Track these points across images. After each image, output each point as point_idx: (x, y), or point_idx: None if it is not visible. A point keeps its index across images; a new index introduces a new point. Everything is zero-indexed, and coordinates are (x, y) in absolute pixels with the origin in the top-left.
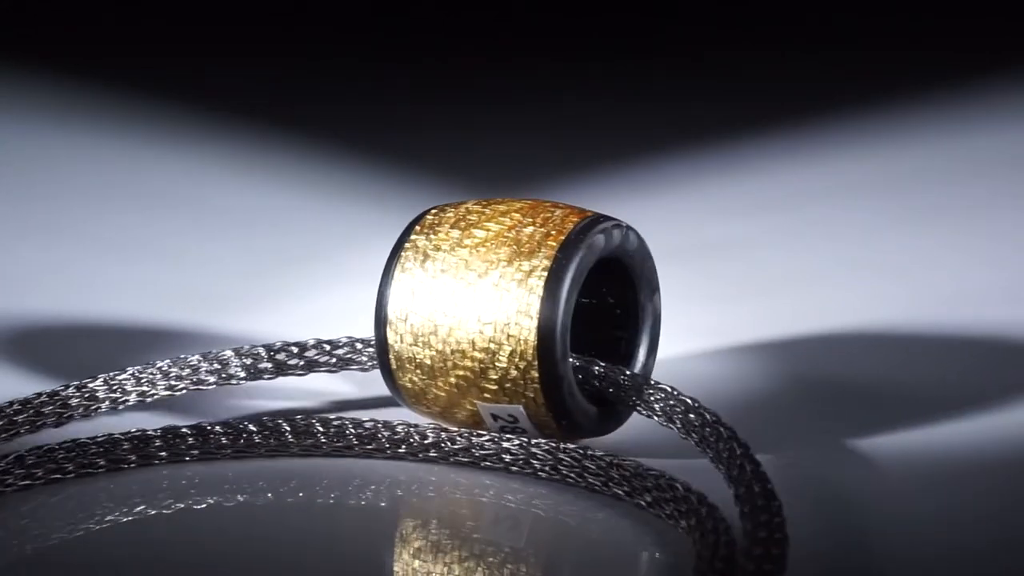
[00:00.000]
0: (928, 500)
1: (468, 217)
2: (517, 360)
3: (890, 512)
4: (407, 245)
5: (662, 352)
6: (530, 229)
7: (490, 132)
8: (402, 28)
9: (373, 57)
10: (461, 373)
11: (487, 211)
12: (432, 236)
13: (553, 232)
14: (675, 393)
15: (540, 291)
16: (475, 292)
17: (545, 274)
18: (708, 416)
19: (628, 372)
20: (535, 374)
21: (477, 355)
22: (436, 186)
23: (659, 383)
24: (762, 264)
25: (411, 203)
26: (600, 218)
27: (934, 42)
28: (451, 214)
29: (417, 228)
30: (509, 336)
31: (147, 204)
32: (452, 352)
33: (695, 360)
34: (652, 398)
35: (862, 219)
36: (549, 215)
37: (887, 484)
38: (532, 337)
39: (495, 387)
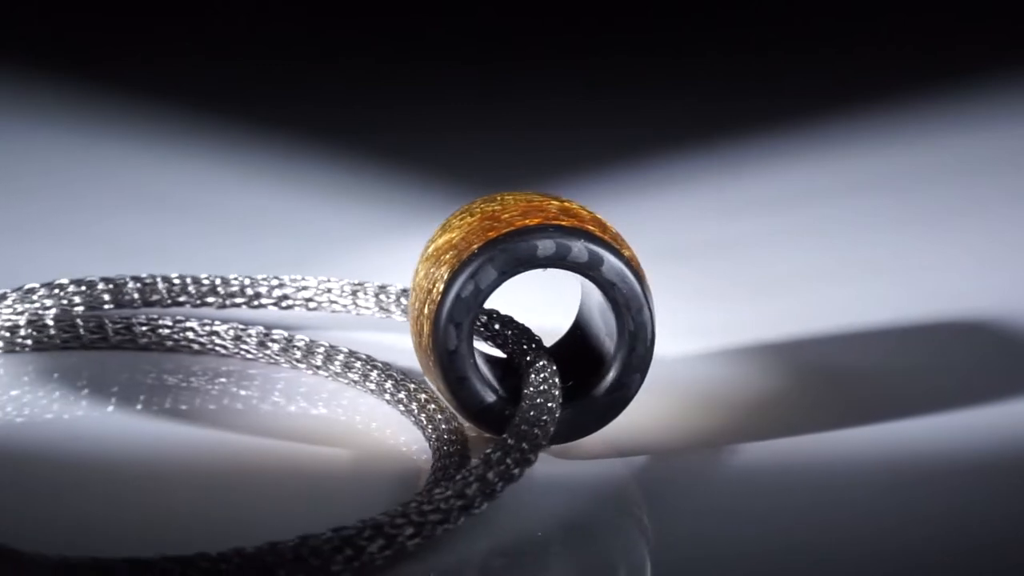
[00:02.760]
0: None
1: (493, 201)
2: (425, 338)
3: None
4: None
5: (660, 351)
6: (488, 223)
7: (490, 132)
8: (403, 28)
9: (374, 57)
10: (411, 336)
11: (507, 199)
12: (465, 209)
13: (495, 227)
14: (547, 375)
15: (445, 279)
16: (424, 267)
17: (456, 264)
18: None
19: (537, 342)
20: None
21: (414, 323)
22: (437, 186)
23: (545, 365)
24: (762, 264)
25: (412, 203)
26: (552, 227)
27: (934, 42)
28: (494, 195)
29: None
30: (424, 314)
31: (149, 207)
32: (410, 317)
33: (694, 359)
34: (533, 375)
35: (862, 219)
36: (517, 214)
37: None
38: (432, 319)
39: (420, 355)
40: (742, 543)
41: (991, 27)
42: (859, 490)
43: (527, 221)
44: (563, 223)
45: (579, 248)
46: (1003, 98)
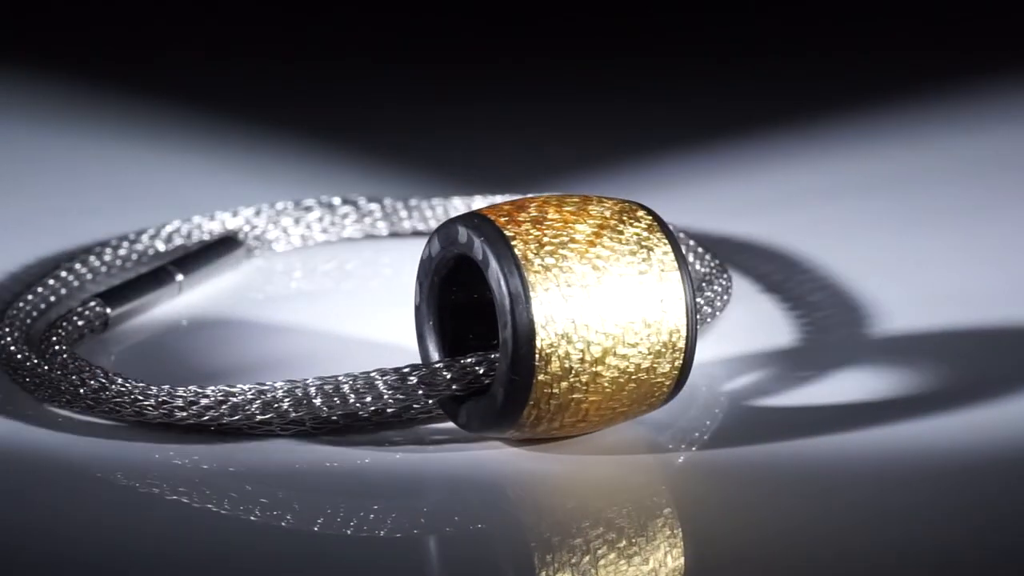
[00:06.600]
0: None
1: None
2: None
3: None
4: None
5: None
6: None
7: (489, 132)
8: (405, 27)
9: (373, 57)
10: None
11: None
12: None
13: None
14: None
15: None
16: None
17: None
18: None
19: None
20: None
21: None
22: (436, 186)
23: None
24: (762, 263)
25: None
26: (469, 217)
27: (934, 42)
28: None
29: None
30: None
31: (150, 206)
32: None
33: (695, 359)
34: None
35: (862, 219)
36: (507, 205)
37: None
38: None
39: None
40: (744, 544)
41: (992, 27)
42: (861, 490)
43: (489, 214)
44: (497, 221)
45: (477, 247)
46: (1004, 98)
